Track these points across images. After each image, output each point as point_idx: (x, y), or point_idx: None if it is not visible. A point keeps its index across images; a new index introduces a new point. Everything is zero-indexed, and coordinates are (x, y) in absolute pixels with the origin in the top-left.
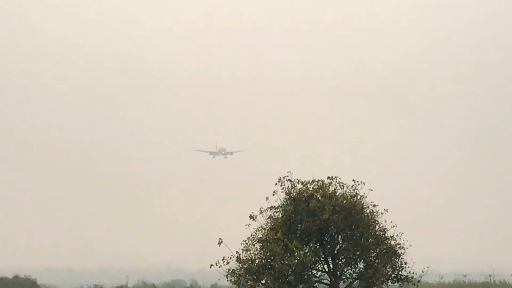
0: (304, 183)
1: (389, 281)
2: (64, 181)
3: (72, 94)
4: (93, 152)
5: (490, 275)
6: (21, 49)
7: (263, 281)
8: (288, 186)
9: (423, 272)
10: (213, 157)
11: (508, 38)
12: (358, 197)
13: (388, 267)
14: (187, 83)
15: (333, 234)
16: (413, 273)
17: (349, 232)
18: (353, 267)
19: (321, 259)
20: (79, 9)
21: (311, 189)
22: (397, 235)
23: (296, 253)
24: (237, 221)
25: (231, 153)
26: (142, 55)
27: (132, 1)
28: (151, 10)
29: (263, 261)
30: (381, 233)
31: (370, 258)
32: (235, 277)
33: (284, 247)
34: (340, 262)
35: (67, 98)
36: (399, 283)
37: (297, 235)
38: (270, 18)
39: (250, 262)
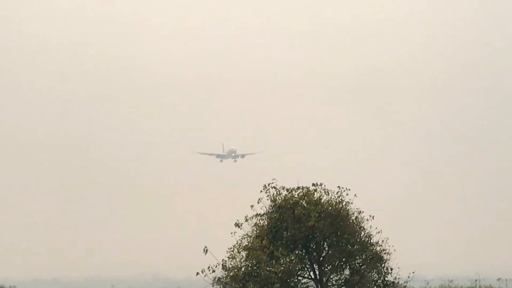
0: (289, 190)
1: (375, 287)
2: (49, 192)
3: (73, 96)
4: (80, 160)
5: (476, 280)
6: (21, 49)
7: None
8: (273, 194)
9: (409, 277)
10: (220, 161)
11: (486, 40)
12: (344, 203)
13: (373, 273)
14: (191, 83)
15: (319, 241)
16: (399, 278)
17: (334, 239)
18: (339, 273)
19: (307, 266)
20: (82, 11)
21: (296, 196)
22: (382, 241)
23: (282, 260)
24: (224, 228)
25: (243, 156)
26: (144, 56)
27: (135, 3)
28: (155, 11)
29: (249, 268)
30: (367, 239)
31: (356, 265)
32: (221, 285)
33: (270, 254)
34: (326, 269)
35: (68, 100)
36: None
37: (283, 242)
38: (267, 19)
39: (236, 270)
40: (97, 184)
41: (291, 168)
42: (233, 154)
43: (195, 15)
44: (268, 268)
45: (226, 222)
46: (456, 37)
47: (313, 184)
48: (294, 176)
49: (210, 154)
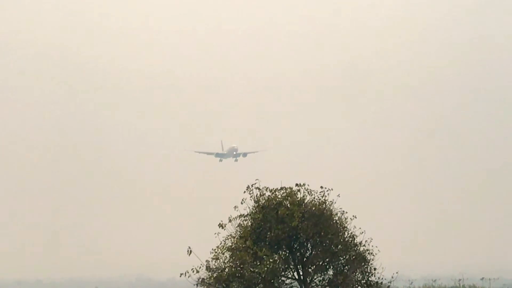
0: (273, 191)
1: (359, 287)
2: (32, 195)
3: (71, 97)
4: (68, 161)
5: (459, 280)
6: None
7: None
8: (257, 194)
9: (392, 277)
10: (220, 160)
11: (458, 39)
12: (327, 203)
13: (357, 273)
14: (188, 81)
15: (303, 241)
16: (383, 278)
17: (318, 239)
18: (322, 274)
19: (291, 266)
20: (82, 13)
21: (279, 196)
22: (366, 241)
23: (266, 261)
24: (208, 229)
25: (245, 154)
26: (140, 55)
27: (135, 4)
28: (152, 12)
29: (233, 269)
30: (350, 239)
31: (340, 265)
32: (205, 286)
33: (253, 255)
34: (310, 269)
35: (65, 100)
36: None
37: (267, 243)
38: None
39: (220, 271)
40: (81, 185)
41: (297, 166)
42: (234, 153)
43: (193, 17)
44: (252, 269)
45: (211, 223)
46: (451, 36)
47: (297, 185)
48: (300, 175)
49: (208, 153)
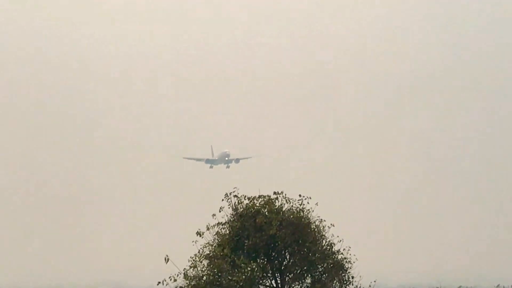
0: (251, 199)
1: None
2: (2, 200)
3: (61, 101)
4: (45, 166)
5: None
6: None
7: None
8: (235, 202)
9: (370, 286)
10: (210, 167)
11: (436, 44)
12: (305, 211)
13: (335, 281)
14: (178, 80)
15: (280, 249)
16: (361, 287)
17: (296, 247)
18: (300, 282)
19: (269, 274)
20: (82, 8)
21: (257, 204)
22: (344, 249)
23: (244, 269)
24: (186, 237)
25: (237, 160)
26: (124, 57)
27: (131, 3)
28: (147, 12)
29: (210, 277)
30: (328, 247)
31: (318, 273)
32: None
33: (231, 263)
34: (287, 278)
35: (56, 103)
36: None
37: (245, 251)
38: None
39: (197, 279)
40: (57, 191)
41: (293, 173)
42: (226, 159)
43: (179, 19)
44: (229, 277)
45: (190, 230)
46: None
47: (275, 193)
48: (297, 183)
49: (198, 159)
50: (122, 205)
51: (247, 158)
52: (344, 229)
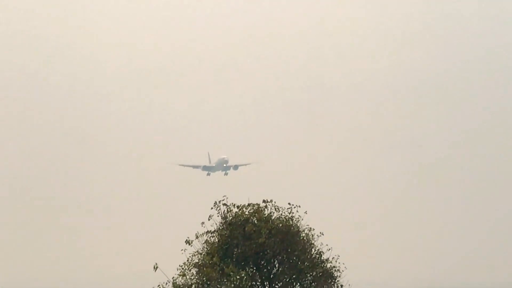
0: (240, 207)
1: None
2: None
3: (58, 103)
4: (38, 171)
5: None
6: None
7: None
8: (224, 210)
9: None
10: (208, 174)
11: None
12: (294, 220)
13: None
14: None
15: (270, 258)
16: None
17: (285, 256)
18: None
19: (258, 283)
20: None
21: (247, 213)
22: (333, 258)
23: (233, 278)
24: (174, 246)
25: (236, 167)
26: (120, 62)
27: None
28: (143, 12)
29: (199, 286)
30: (317, 256)
31: (307, 282)
32: None
33: (220, 271)
34: (276, 286)
35: (52, 105)
36: None
37: (234, 260)
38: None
39: (186, 287)
40: (47, 196)
41: (294, 181)
42: (224, 165)
43: (177, 24)
44: (218, 286)
45: (177, 239)
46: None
47: (264, 201)
48: (297, 191)
49: (194, 167)
50: (112, 213)
51: (246, 164)
52: (333, 238)
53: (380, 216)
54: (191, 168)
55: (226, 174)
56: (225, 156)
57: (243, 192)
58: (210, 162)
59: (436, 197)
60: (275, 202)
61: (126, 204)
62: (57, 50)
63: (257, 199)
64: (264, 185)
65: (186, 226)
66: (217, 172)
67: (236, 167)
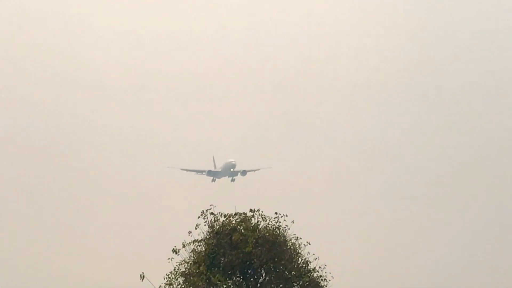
0: (227, 216)
1: None
2: None
3: (54, 104)
4: (36, 173)
5: None
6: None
7: None
8: (211, 219)
9: None
10: (213, 180)
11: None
12: (281, 229)
13: None
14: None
15: (256, 267)
16: None
17: (272, 265)
18: None
19: None
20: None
21: (234, 222)
22: (320, 267)
23: (220, 287)
24: (161, 255)
25: (244, 173)
26: (122, 62)
27: (127, 3)
28: (141, 14)
29: None
30: (304, 265)
31: None
32: None
33: (207, 280)
34: None
35: (46, 106)
36: None
37: (220, 269)
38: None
39: None
40: (39, 202)
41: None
42: (231, 170)
43: (183, 22)
44: None
45: (164, 248)
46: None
47: (251, 210)
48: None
49: (198, 171)
50: (101, 219)
51: (254, 170)
52: (320, 247)
53: (368, 225)
54: (195, 173)
55: (233, 180)
56: (232, 160)
57: (246, 199)
58: (215, 167)
59: (426, 208)
60: (262, 211)
61: (115, 211)
62: (57, 50)
63: (262, 207)
64: (267, 192)
65: (174, 236)
66: (223, 178)
67: (244, 172)
